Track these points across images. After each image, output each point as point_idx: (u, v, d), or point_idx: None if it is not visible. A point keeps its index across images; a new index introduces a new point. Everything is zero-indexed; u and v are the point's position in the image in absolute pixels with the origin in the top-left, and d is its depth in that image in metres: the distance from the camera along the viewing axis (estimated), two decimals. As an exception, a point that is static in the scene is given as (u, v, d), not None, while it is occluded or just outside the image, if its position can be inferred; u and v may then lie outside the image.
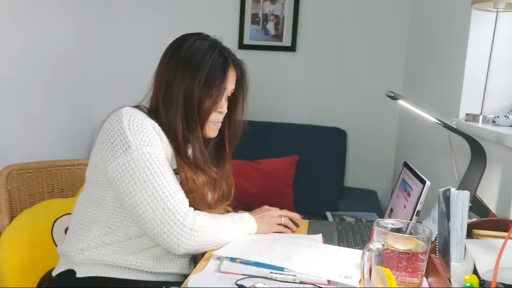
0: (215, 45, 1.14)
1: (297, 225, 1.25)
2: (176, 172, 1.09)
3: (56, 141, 2.40)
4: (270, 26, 2.66)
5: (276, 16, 2.65)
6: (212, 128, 1.17)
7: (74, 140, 2.50)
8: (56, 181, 1.51)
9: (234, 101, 1.21)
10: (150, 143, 1.04)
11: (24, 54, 2.16)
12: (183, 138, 1.11)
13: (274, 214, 1.23)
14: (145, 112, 1.10)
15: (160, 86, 1.12)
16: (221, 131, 1.21)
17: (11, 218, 1.36)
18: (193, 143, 1.12)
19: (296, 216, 1.27)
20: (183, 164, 1.09)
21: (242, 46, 2.68)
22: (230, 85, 1.16)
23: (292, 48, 2.65)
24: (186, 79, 1.09)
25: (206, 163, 1.15)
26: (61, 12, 2.39)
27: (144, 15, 2.77)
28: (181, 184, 1.08)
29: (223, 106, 1.16)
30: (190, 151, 1.15)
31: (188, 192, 1.08)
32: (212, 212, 1.13)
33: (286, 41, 2.65)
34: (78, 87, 2.57)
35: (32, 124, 2.25)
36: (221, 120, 1.18)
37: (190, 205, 1.07)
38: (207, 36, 1.17)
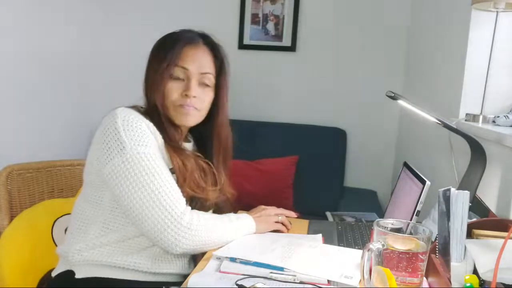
0: (181, 31, 1.17)
1: (289, 223, 1.27)
2: (173, 171, 1.09)
3: (56, 141, 2.40)
4: (270, 26, 2.66)
5: (276, 16, 2.65)
6: (181, 112, 1.13)
7: (74, 140, 2.50)
8: (56, 181, 1.51)
9: (217, 98, 1.19)
10: (145, 143, 1.04)
11: (25, 55, 2.16)
12: (154, 101, 1.12)
13: (271, 212, 1.24)
14: (141, 112, 1.10)
15: (145, 84, 1.16)
16: (206, 139, 1.22)
17: (11, 218, 1.35)
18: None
19: (291, 214, 1.28)
20: (171, 150, 1.10)
21: (242, 46, 2.67)
22: (188, 63, 1.13)
23: (292, 48, 2.65)
24: (152, 64, 1.14)
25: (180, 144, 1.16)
26: (61, 14, 2.39)
27: (143, 16, 2.77)
28: (177, 176, 1.08)
29: (191, 88, 1.12)
30: (184, 145, 1.16)
31: (184, 180, 1.08)
32: (216, 212, 1.13)
33: (286, 41, 2.65)
34: (78, 88, 2.57)
35: (32, 124, 2.25)
36: (190, 104, 1.13)
37: (188, 204, 1.07)
38: (185, 30, 1.19)
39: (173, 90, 1.12)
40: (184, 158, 1.10)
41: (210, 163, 1.21)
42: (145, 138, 1.04)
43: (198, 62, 1.14)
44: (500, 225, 0.93)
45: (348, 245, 1.14)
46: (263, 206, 1.27)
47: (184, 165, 1.09)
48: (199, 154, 1.20)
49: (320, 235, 1.20)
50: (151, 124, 1.08)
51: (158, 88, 1.12)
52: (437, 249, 0.92)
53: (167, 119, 1.12)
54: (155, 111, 1.12)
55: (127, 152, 1.01)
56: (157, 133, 1.08)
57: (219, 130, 1.22)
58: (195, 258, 1.20)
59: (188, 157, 1.12)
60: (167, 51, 1.12)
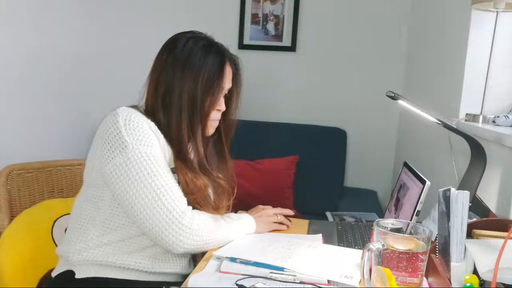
0: (210, 44, 1.14)
1: (289, 220, 1.29)
2: (174, 171, 1.09)
3: (56, 141, 2.40)
4: (270, 26, 2.66)
5: (276, 16, 2.65)
6: (211, 126, 1.17)
7: (74, 140, 2.50)
8: (56, 181, 1.51)
9: (228, 96, 1.21)
10: (147, 142, 1.04)
11: (25, 55, 2.16)
12: (187, 140, 1.11)
13: (270, 213, 1.26)
14: (142, 112, 1.10)
15: (157, 89, 1.12)
16: (217, 128, 1.21)
17: (11, 218, 1.36)
18: (196, 145, 1.12)
19: (289, 212, 1.30)
20: (183, 167, 1.09)
21: (242, 46, 2.67)
22: (228, 83, 1.16)
23: (292, 48, 2.65)
24: (187, 82, 1.09)
25: (209, 165, 1.16)
26: (63, 15, 2.39)
27: (144, 16, 2.77)
28: (181, 186, 1.08)
29: (222, 103, 1.17)
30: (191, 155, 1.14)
31: (189, 193, 1.08)
32: (218, 213, 1.13)
33: (286, 41, 2.65)
34: (78, 87, 2.57)
35: (33, 124, 2.25)
36: (219, 117, 1.18)
37: (189, 204, 1.07)
38: (200, 33, 1.17)
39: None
40: (194, 176, 1.09)
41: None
42: (147, 137, 1.04)
43: (230, 80, 1.18)
44: (500, 225, 0.93)
45: (348, 245, 1.14)
46: (262, 206, 1.28)
47: (194, 184, 1.08)
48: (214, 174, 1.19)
49: (320, 235, 1.20)
50: (152, 124, 1.08)
51: (202, 107, 1.11)
52: (437, 249, 0.92)
53: (194, 134, 1.12)
54: (176, 123, 1.10)
55: (129, 152, 1.01)
56: (159, 132, 1.08)
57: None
58: (195, 258, 1.20)
59: (200, 175, 1.12)
60: (213, 75, 1.11)
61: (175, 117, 1.10)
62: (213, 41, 1.17)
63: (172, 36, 1.17)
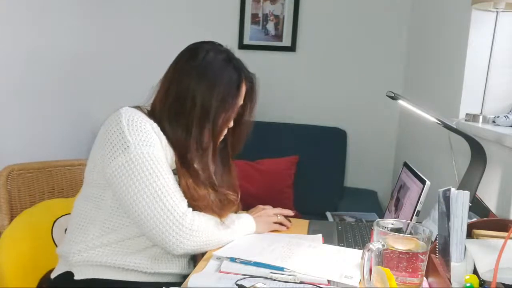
0: (229, 59, 1.13)
1: (289, 221, 1.28)
2: (175, 172, 1.09)
3: (56, 141, 2.40)
4: (270, 26, 2.66)
5: (276, 16, 2.65)
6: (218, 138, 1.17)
7: (74, 140, 2.50)
8: (56, 181, 1.51)
9: (239, 112, 1.20)
10: (149, 143, 1.04)
11: (25, 55, 2.16)
12: (195, 152, 1.10)
13: (270, 213, 1.26)
14: (145, 113, 1.09)
15: (167, 94, 1.11)
16: (224, 139, 1.20)
17: (11, 218, 1.35)
18: (207, 164, 1.12)
19: (289, 212, 1.30)
20: (186, 173, 1.08)
21: (242, 46, 2.67)
22: (241, 100, 1.16)
23: (292, 48, 2.65)
24: (202, 93, 1.08)
25: (212, 179, 1.15)
26: (63, 15, 2.39)
27: (144, 16, 2.76)
28: (182, 189, 1.08)
29: (232, 121, 1.16)
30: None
31: (190, 198, 1.07)
32: (220, 219, 1.12)
33: (286, 41, 2.65)
34: (78, 87, 2.57)
35: (33, 124, 2.25)
36: (225, 132, 1.17)
37: (189, 206, 1.07)
38: (220, 46, 1.16)
39: None
40: (195, 184, 1.09)
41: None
42: (149, 138, 1.04)
43: (243, 98, 1.17)
44: (500, 225, 0.93)
45: (348, 245, 1.14)
46: (261, 206, 1.28)
47: (195, 190, 1.08)
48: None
49: (320, 235, 1.20)
50: (155, 125, 1.07)
51: (215, 125, 1.10)
52: (437, 249, 0.92)
53: (204, 152, 1.11)
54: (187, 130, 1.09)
55: (131, 152, 1.01)
56: (161, 133, 1.08)
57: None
58: (195, 258, 1.20)
59: (201, 186, 1.11)
60: (229, 93, 1.11)
61: (186, 127, 1.09)
62: (233, 55, 1.15)
63: (191, 45, 1.15)
